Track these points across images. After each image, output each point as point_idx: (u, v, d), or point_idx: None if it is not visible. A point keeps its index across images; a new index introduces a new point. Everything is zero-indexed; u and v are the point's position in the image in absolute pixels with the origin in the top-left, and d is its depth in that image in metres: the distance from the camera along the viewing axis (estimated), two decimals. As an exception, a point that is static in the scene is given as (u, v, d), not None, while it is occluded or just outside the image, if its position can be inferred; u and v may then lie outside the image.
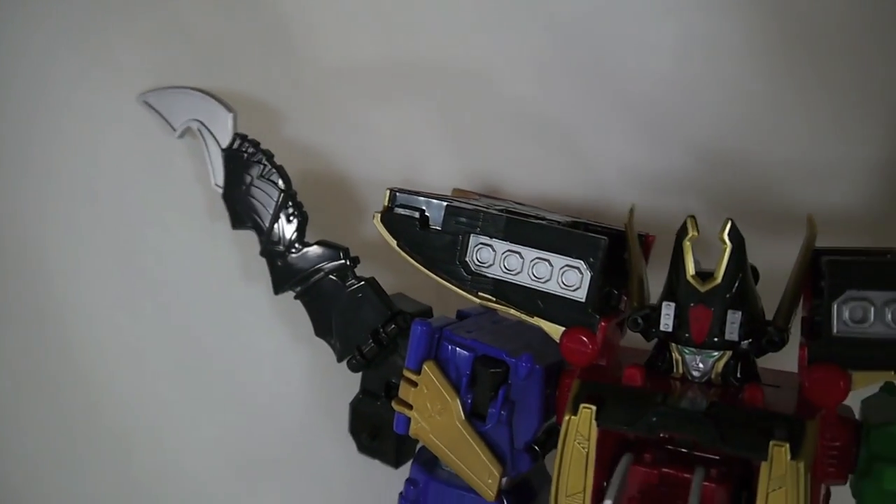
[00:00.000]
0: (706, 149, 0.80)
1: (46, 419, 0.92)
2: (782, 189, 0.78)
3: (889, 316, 0.49)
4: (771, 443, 0.48)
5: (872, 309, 0.50)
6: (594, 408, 0.53)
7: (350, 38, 0.85)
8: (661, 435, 0.53)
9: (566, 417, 0.54)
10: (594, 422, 0.53)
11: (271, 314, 0.83)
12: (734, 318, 0.53)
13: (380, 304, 0.68)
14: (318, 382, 0.83)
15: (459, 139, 0.86)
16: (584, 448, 0.53)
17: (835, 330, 0.51)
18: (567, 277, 0.58)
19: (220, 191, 0.74)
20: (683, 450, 0.54)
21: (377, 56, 0.85)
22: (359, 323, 0.69)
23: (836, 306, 0.50)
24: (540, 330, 0.60)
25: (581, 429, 0.53)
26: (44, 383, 0.91)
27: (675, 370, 0.57)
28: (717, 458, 0.53)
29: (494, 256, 0.61)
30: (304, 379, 0.84)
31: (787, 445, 0.48)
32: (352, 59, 0.85)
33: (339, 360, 0.70)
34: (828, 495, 0.57)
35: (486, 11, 0.83)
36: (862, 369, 0.50)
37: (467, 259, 0.62)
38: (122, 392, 0.90)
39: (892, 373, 0.49)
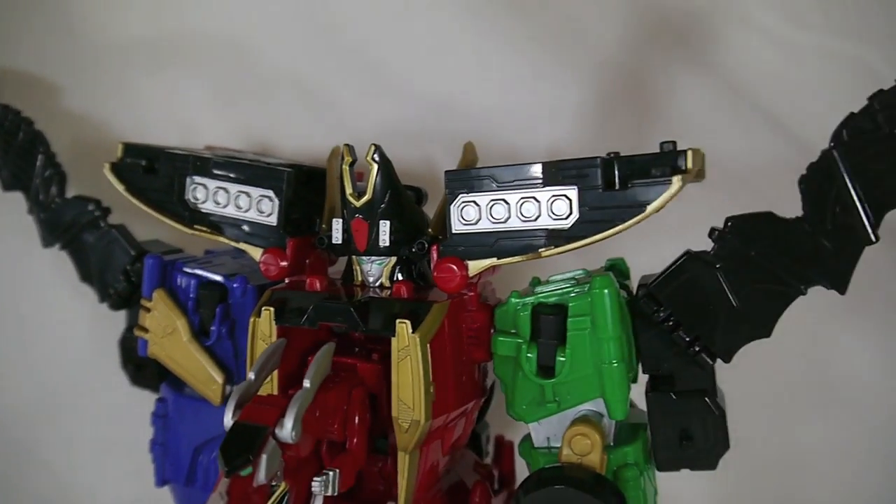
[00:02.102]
0: (436, 103, 0.92)
1: None
2: (500, 130, 0.90)
3: (491, 213, 0.61)
4: (396, 321, 0.59)
5: (479, 209, 0.61)
6: (272, 309, 0.63)
7: (123, 13, 0.94)
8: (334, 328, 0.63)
9: (251, 319, 0.64)
10: (273, 321, 0.63)
11: (52, 271, 0.91)
12: (385, 228, 0.64)
13: (127, 246, 0.77)
14: (101, 327, 0.92)
15: (230, 105, 0.96)
16: (266, 344, 0.63)
17: (453, 229, 0.62)
18: (262, 206, 0.68)
19: (-11, 160, 0.82)
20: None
21: (149, 31, 0.94)
22: (112, 265, 0.77)
23: (452, 209, 0.62)
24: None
25: (263, 328, 0.63)
26: None
27: (355, 278, 0.67)
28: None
29: (207, 193, 0.70)
30: (88, 326, 0.93)
31: (409, 322, 0.59)
32: (125, 34, 0.94)
33: (100, 300, 0.79)
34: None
35: None
36: (475, 259, 0.61)
37: (186, 198, 0.71)
38: None
39: (496, 258, 0.61)
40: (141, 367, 0.80)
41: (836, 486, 1.03)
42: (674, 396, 0.60)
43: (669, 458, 0.61)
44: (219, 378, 0.70)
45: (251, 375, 0.57)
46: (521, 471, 0.71)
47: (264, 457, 0.51)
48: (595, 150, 0.63)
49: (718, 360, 0.59)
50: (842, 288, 0.54)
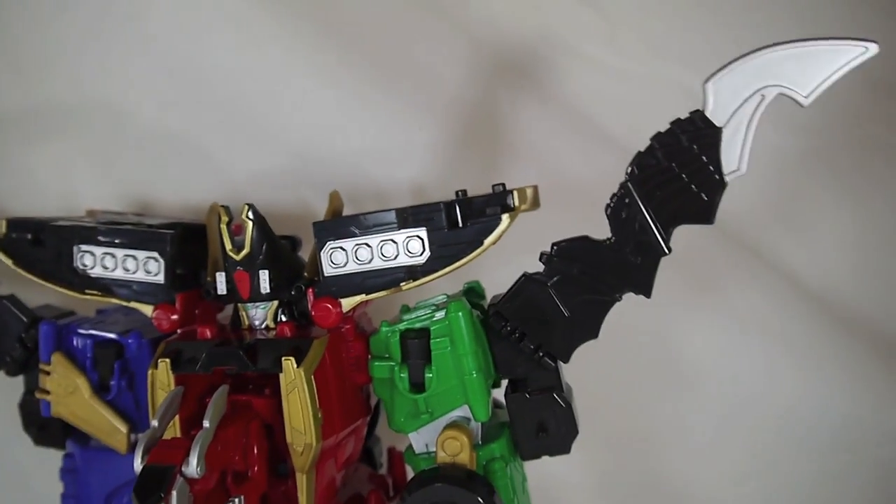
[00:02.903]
0: (304, 150, 1.00)
1: None
2: (364, 172, 0.99)
3: (356, 256, 0.70)
4: (282, 359, 0.67)
5: (346, 253, 0.70)
6: (168, 360, 0.70)
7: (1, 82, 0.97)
8: (227, 371, 0.70)
9: (149, 372, 0.70)
10: (170, 371, 0.70)
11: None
12: (264, 276, 0.72)
13: (20, 314, 0.81)
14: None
15: (108, 165, 1.01)
16: (165, 392, 0.70)
17: (325, 273, 0.70)
18: (149, 266, 0.75)
19: None
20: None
21: (18, 101, 0.98)
22: (6, 334, 0.81)
23: (322, 255, 0.70)
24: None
25: (161, 378, 0.69)
26: None
27: (242, 323, 0.75)
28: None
29: (94, 259, 0.76)
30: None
31: (293, 358, 0.67)
32: (5, 103, 0.97)
33: (-3, 368, 0.83)
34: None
35: (113, 51, 0.98)
36: (346, 296, 0.70)
37: (75, 265, 0.76)
38: None
39: (364, 294, 0.70)
40: (43, 427, 0.83)
41: (688, 460, 1.17)
42: (528, 396, 0.71)
43: (530, 448, 0.72)
44: (123, 428, 0.76)
45: (154, 423, 0.63)
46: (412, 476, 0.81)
47: (174, 493, 0.58)
48: (452, 184, 0.73)
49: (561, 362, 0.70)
50: (647, 293, 0.67)
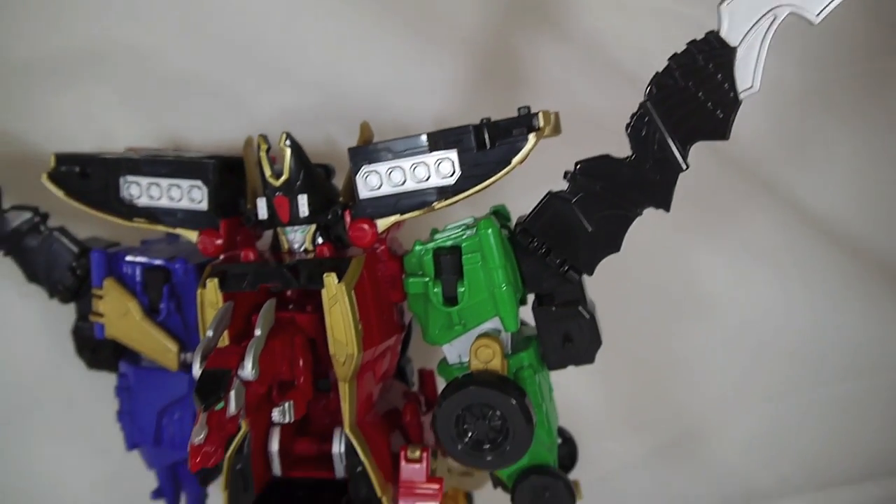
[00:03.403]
0: (329, 88, 1.04)
1: None
2: (388, 107, 1.03)
3: (390, 179, 0.74)
4: (324, 275, 0.71)
5: (380, 176, 0.74)
6: (216, 279, 0.74)
7: (22, 29, 1.00)
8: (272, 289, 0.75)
9: (198, 291, 0.75)
10: (218, 290, 0.74)
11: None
12: (303, 200, 0.76)
13: (70, 245, 0.86)
14: (52, 326, 1.00)
15: (139, 107, 1.04)
16: (214, 310, 0.74)
17: (361, 195, 0.75)
18: (193, 194, 0.79)
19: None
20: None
21: (51, 45, 1.01)
22: (58, 264, 0.86)
23: (357, 179, 0.74)
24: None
25: (210, 297, 0.74)
26: None
27: (282, 247, 0.79)
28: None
29: (140, 190, 0.80)
30: (39, 327, 1.01)
31: (334, 274, 0.71)
32: (27, 50, 1.00)
33: (50, 296, 0.87)
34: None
35: None
36: (381, 217, 0.74)
37: (122, 196, 0.81)
38: None
39: (399, 214, 0.74)
40: (96, 350, 0.89)
41: (703, 388, 1.22)
42: (554, 309, 0.75)
43: (556, 358, 0.76)
44: (173, 347, 0.81)
45: (209, 332, 0.68)
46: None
47: (232, 393, 0.63)
48: (473, 117, 0.76)
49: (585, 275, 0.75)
50: (666, 207, 0.70)
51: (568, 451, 0.87)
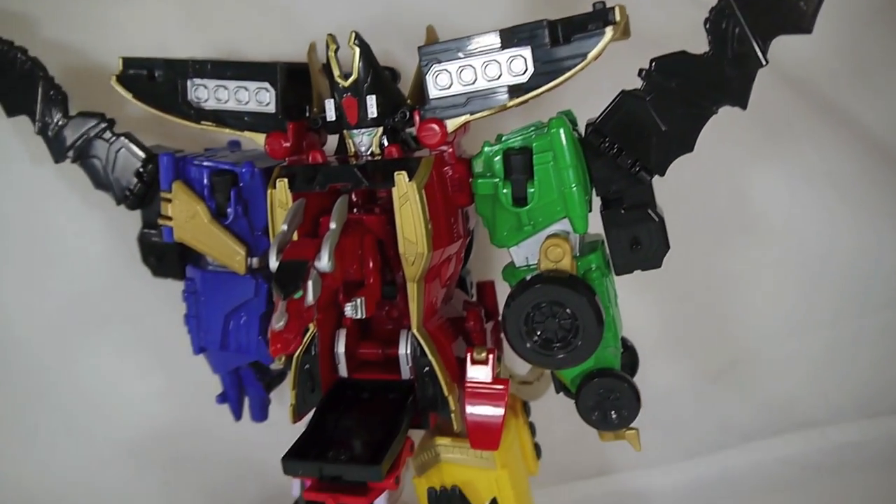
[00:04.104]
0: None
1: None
2: (446, 18, 1.01)
3: (461, 78, 0.73)
4: (394, 173, 0.71)
5: (450, 75, 0.73)
6: (286, 179, 0.75)
7: None
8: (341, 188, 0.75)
9: (268, 191, 0.75)
10: (288, 190, 0.75)
11: (61, 187, 1.00)
12: (371, 101, 0.76)
13: (137, 150, 0.87)
14: (117, 236, 1.01)
15: (197, 23, 1.04)
16: (284, 210, 0.75)
17: (430, 95, 0.74)
18: (261, 97, 0.79)
19: (-12, 88, 0.89)
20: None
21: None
22: (125, 169, 0.87)
23: (427, 78, 0.74)
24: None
25: (280, 196, 0.75)
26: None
27: (349, 150, 0.79)
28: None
29: (208, 92, 0.81)
30: (104, 235, 1.02)
31: (405, 173, 0.71)
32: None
33: (117, 203, 0.88)
34: None
35: None
36: (451, 118, 0.74)
37: (189, 98, 0.81)
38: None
39: (469, 115, 0.74)
40: (161, 257, 0.90)
41: (752, 311, 1.22)
42: (623, 212, 0.75)
43: (624, 262, 0.76)
44: (241, 251, 0.82)
45: (284, 227, 0.69)
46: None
47: (310, 282, 0.64)
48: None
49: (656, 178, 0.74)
50: (743, 104, 0.69)
51: (629, 359, 0.87)
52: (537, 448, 0.93)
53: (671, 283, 1.13)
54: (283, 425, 0.86)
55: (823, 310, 1.22)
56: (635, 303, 1.01)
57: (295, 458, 0.72)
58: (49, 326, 1.05)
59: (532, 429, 0.93)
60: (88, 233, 1.03)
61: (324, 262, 0.65)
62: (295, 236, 0.73)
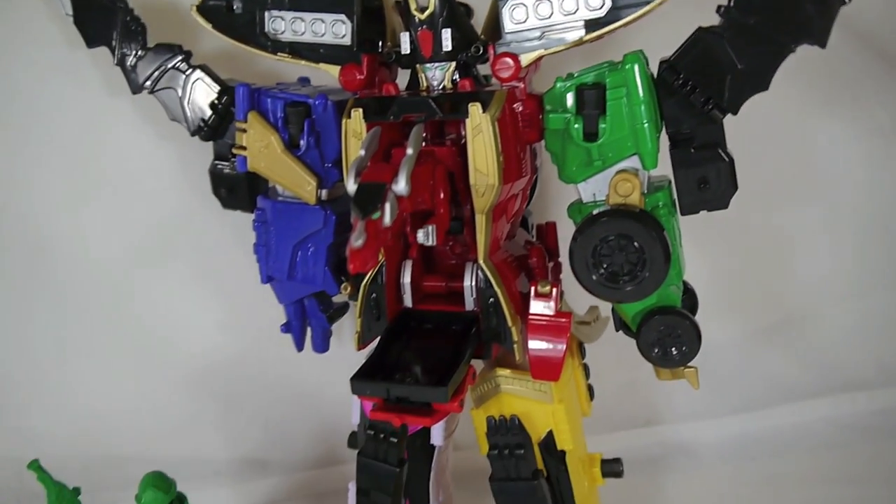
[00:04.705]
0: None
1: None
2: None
3: (537, 12, 0.74)
4: (468, 104, 0.73)
5: (526, 9, 0.74)
6: (361, 110, 0.76)
7: None
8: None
9: (343, 121, 0.77)
10: (363, 119, 0.76)
11: (136, 118, 1.03)
12: (446, 35, 0.77)
13: (213, 82, 0.89)
14: (189, 166, 1.04)
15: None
16: (358, 140, 0.77)
17: (506, 29, 0.75)
18: (336, 29, 0.81)
19: (71, 17, 0.91)
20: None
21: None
22: (199, 101, 0.89)
23: (504, 11, 0.75)
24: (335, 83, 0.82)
25: (354, 126, 0.76)
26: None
27: (421, 85, 0.81)
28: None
29: (284, 24, 0.82)
30: (175, 167, 1.05)
31: (479, 104, 0.72)
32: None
33: (192, 134, 0.91)
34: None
35: None
36: (526, 52, 0.75)
37: (266, 30, 0.83)
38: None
39: (543, 49, 0.74)
40: (232, 189, 0.93)
41: (806, 270, 1.21)
42: (693, 151, 0.75)
43: (691, 201, 0.76)
44: (312, 181, 0.84)
45: (361, 152, 0.71)
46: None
47: (388, 204, 0.65)
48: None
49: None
50: (823, 43, 0.69)
51: (689, 302, 0.88)
52: (590, 389, 0.95)
53: (725, 237, 1.14)
54: (339, 361, 0.88)
55: (881, 273, 1.22)
56: (688, 252, 1.02)
57: (363, 379, 0.74)
58: (123, 254, 1.09)
59: (586, 370, 0.94)
60: (161, 164, 1.06)
61: (401, 185, 0.66)
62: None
